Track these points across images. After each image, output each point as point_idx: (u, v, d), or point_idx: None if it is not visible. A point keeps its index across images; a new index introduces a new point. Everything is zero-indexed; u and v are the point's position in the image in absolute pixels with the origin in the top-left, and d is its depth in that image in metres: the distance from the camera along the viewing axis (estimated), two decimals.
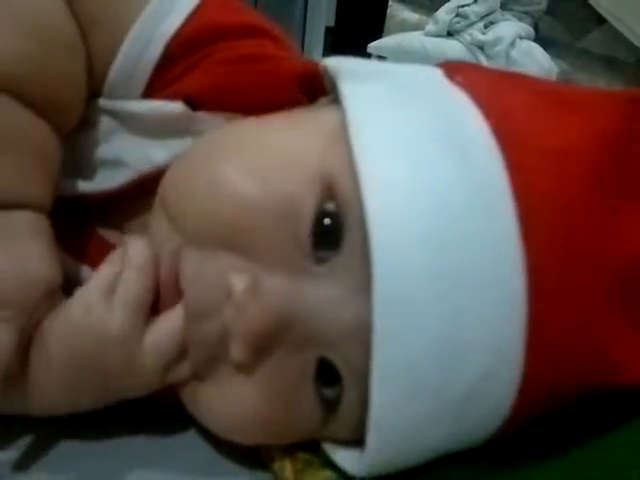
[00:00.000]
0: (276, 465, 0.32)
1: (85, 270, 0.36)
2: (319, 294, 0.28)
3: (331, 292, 0.28)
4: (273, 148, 0.31)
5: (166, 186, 0.32)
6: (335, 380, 0.29)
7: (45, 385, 0.30)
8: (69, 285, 0.32)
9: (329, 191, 0.28)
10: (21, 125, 0.31)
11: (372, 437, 0.27)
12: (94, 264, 0.33)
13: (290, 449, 0.32)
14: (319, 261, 0.28)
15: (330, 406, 0.30)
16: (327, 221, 0.28)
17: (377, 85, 0.31)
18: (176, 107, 0.35)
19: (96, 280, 0.31)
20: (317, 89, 0.36)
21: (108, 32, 0.35)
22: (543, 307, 0.26)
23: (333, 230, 0.28)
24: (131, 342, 0.29)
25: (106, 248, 0.33)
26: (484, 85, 0.31)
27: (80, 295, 0.31)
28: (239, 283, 0.28)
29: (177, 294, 0.30)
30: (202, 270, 0.29)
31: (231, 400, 0.30)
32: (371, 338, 0.25)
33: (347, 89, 0.30)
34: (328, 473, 0.31)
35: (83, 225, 0.38)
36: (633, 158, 0.29)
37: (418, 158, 0.27)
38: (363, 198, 0.25)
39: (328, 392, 0.29)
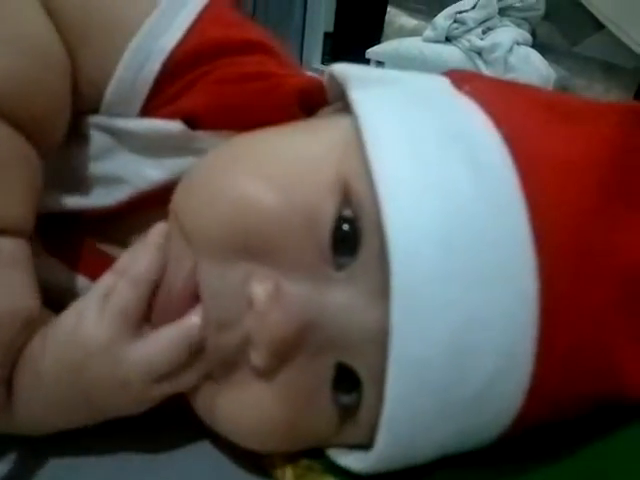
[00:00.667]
0: (277, 471, 0.32)
1: (82, 281, 0.36)
2: (340, 300, 0.28)
3: (351, 297, 0.28)
4: (290, 157, 0.31)
5: (179, 202, 0.32)
6: (352, 386, 0.29)
7: (32, 406, 0.30)
8: (66, 297, 0.32)
9: (346, 197, 0.28)
10: (2, 143, 0.30)
11: (383, 433, 0.27)
12: (93, 277, 0.33)
13: (291, 455, 0.32)
14: (339, 267, 0.28)
15: (346, 412, 0.30)
16: (345, 227, 0.28)
17: (387, 92, 0.31)
18: (175, 126, 0.35)
19: (93, 290, 0.31)
20: (314, 103, 0.37)
21: (99, 51, 0.34)
22: (553, 310, 0.26)
23: (351, 236, 0.28)
24: (115, 351, 0.29)
25: (106, 261, 0.33)
26: (492, 95, 0.31)
27: (75, 305, 0.31)
28: (261, 291, 0.28)
29: (180, 311, 0.30)
30: (222, 281, 0.29)
31: (249, 406, 0.30)
32: (389, 339, 0.25)
33: (357, 96, 0.30)
34: (329, 479, 0.31)
35: (82, 238, 0.37)
36: (635, 170, 0.29)
37: (431, 163, 0.27)
38: (379, 202, 0.26)
39: (345, 398, 0.30)
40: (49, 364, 0.30)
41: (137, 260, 0.30)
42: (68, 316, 0.30)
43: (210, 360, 0.30)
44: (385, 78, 0.33)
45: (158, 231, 0.31)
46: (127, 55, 0.34)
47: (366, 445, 0.29)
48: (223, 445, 0.33)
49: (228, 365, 0.30)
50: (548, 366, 0.27)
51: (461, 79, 0.32)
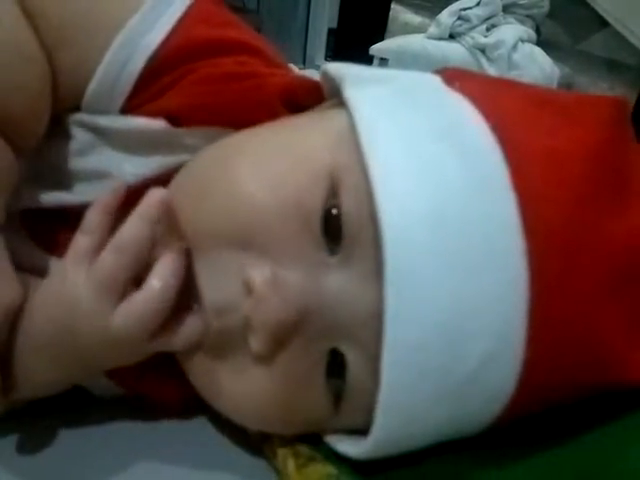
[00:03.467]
0: (279, 460, 0.32)
1: None
2: (335, 284, 0.29)
3: (346, 282, 0.29)
4: (281, 149, 0.32)
5: (174, 198, 0.32)
6: (344, 370, 0.30)
7: (29, 370, 0.31)
8: None
9: (338, 183, 0.29)
10: None
11: (379, 417, 0.27)
12: None
13: (293, 443, 0.32)
14: (332, 252, 0.29)
15: (340, 396, 0.30)
16: (337, 212, 0.29)
17: (380, 89, 0.32)
18: (158, 124, 0.35)
19: (71, 253, 0.31)
20: (303, 102, 0.37)
21: (80, 50, 0.35)
22: (543, 293, 0.27)
23: (342, 221, 0.29)
24: (103, 314, 0.29)
25: None
26: (482, 91, 0.32)
27: (56, 268, 0.31)
28: (258, 277, 0.28)
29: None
30: (219, 270, 0.30)
31: (246, 387, 0.30)
32: (383, 322, 0.26)
33: (352, 93, 0.31)
34: (330, 468, 0.31)
35: (72, 231, 0.38)
36: (619, 160, 0.30)
37: (422, 153, 0.28)
38: (372, 187, 0.26)
39: (337, 382, 0.30)
40: (39, 326, 0.30)
41: (124, 229, 0.30)
42: (53, 279, 0.31)
43: (208, 340, 0.30)
44: (379, 76, 0.34)
45: (150, 202, 0.30)
46: (111, 52, 0.34)
47: (365, 431, 0.29)
48: (225, 432, 0.33)
49: (227, 347, 0.30)
50: (539, 350, 0.27)
51: (452, 77, 0.33)
